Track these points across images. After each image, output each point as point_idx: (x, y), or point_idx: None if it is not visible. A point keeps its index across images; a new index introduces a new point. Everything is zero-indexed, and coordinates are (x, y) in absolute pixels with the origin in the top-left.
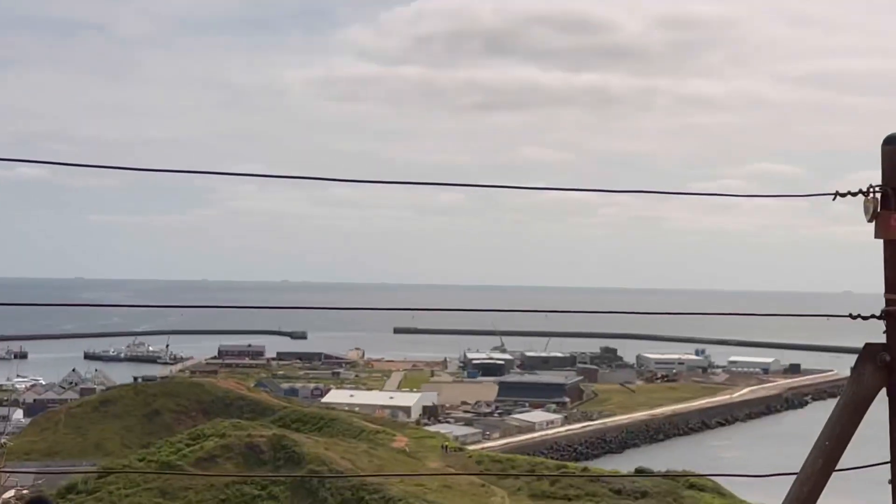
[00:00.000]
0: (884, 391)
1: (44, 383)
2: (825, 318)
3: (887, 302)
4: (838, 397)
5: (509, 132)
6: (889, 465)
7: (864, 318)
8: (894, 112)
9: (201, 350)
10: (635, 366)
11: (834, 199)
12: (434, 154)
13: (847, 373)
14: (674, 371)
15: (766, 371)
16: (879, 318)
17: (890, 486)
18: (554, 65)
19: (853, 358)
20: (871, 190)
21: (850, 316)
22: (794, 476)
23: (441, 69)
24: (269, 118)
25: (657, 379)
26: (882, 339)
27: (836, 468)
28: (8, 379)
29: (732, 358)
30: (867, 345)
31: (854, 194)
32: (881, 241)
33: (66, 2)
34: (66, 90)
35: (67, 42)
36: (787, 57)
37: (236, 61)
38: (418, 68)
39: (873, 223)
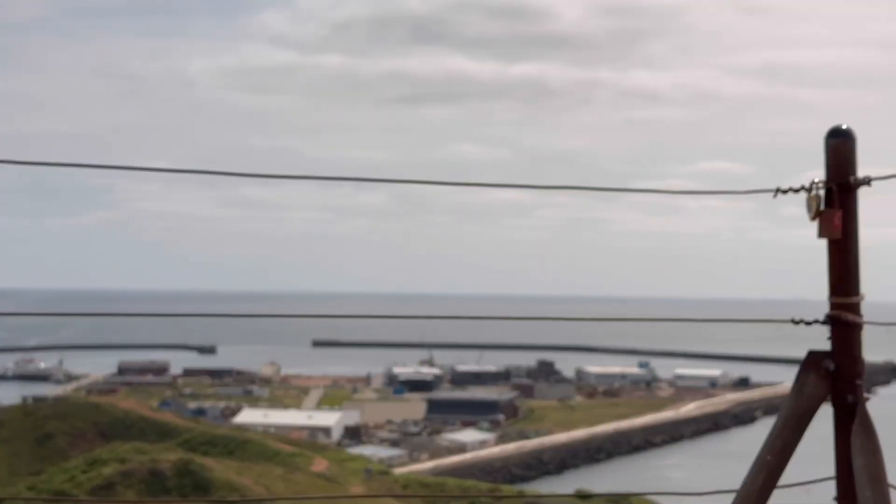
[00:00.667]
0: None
1: None
2: (769, 323)
3: (832, 306)
4: (783, 406)
5: (438, 127)
6: (834, 481)
7: (808, 323)
8: (851, 107)
9: (99, 367)
10: (574, 380)
11: (775, 196)
12: (356, 150)
13: None
14: (616, 385)
15: (713, 385)
16: (824, 323)
17: (835, 503)
18: (487, 54)
19: None
20: (814, 186)
21: (793, 321)
22: (734, 493)
23: (363, 58)
24: (175, 111)
25: (598, 394)
26: (827, 346)
27: (778, 485)
28: None
29: (678, 371)
30: (810, 353)
31: (796, 191)
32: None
33: None
34: None
35: None
36: (738, 48)
37: (137, 49)
38: (338, 57)
39: (816, 222)
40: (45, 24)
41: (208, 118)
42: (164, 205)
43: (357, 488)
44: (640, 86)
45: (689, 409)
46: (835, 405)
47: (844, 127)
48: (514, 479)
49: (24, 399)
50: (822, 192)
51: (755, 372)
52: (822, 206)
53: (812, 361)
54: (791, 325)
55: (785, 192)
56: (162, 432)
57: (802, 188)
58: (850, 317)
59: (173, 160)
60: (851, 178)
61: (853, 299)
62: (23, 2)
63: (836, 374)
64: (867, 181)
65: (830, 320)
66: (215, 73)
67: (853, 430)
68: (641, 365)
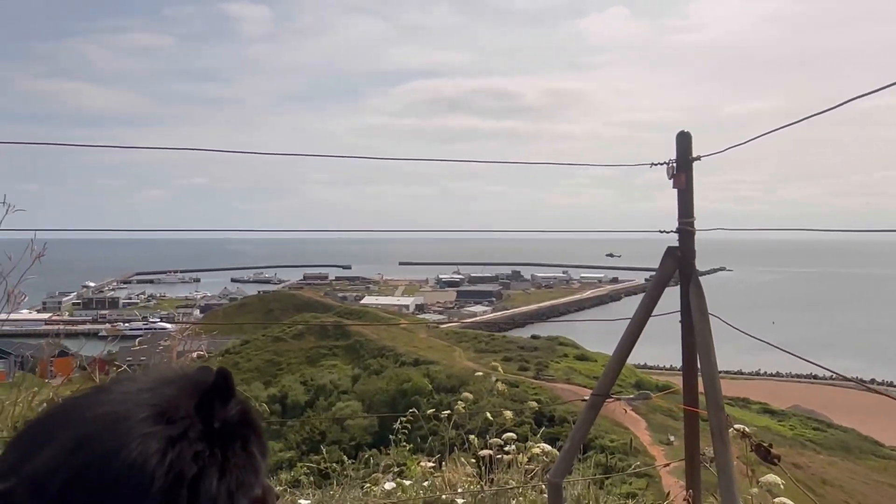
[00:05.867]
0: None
1: None
2: (637, 241)
3: (679, 223)
4: (650, 279)
5: None
6: (678, 313)
7: (667, 231)
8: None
9: (292, 276)
10: (531, 280)
11: (651, 167)
12: None
13: (645, 281)
14: (551, 283)
15: (601, 281)
16: (675, 231)
17: (680, 324)
18: None
19: (651, 273)
20: (671, 161)
21: (660, 231)
22: (628, 321)
23: None
24: None
25: (542, 287)
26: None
27: (651, 315)
28: None
29: (582, 274)
30: (669, 247)
31: (664, 164)
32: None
33: None
34: None
35: None
36: None
37: None
38: None
39: (672, 180)
40: None
41: None
42: None
43: (423, 335)
44: None
45: (587, 294)
46: (681, 273)
47: (686, 130)
48: (501, 329)
49: (259, 292)
50: (675, 164)
51: (620, 275)
52: (675, 171)
53: (669, 251)
54: (635, 255)
55: (658, 164)
56: (324, 307)
57: (667, 162)
58: (689, 228)
59: None
60: (690, 157)
61: (690, 220)
62: None
63: (681, 258)
64: (698, 158)
65: (679, 231)
66: None
67: (690, 285)
68: (564, 272)
